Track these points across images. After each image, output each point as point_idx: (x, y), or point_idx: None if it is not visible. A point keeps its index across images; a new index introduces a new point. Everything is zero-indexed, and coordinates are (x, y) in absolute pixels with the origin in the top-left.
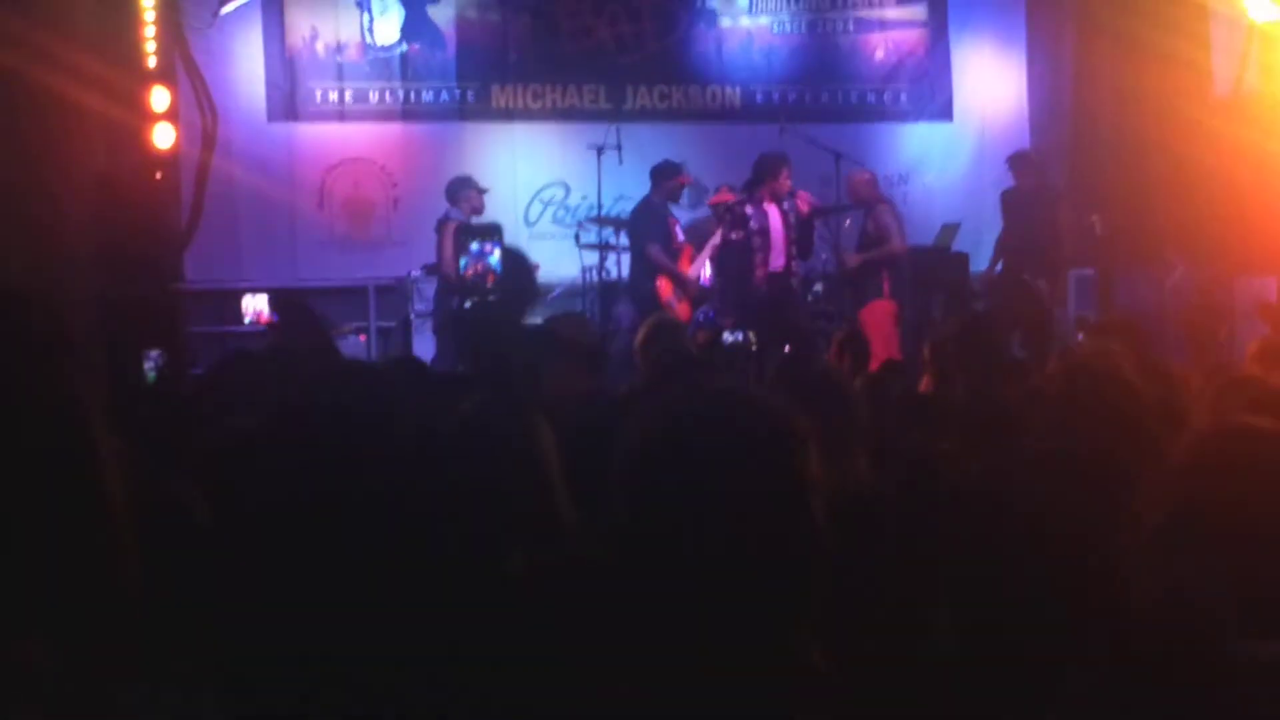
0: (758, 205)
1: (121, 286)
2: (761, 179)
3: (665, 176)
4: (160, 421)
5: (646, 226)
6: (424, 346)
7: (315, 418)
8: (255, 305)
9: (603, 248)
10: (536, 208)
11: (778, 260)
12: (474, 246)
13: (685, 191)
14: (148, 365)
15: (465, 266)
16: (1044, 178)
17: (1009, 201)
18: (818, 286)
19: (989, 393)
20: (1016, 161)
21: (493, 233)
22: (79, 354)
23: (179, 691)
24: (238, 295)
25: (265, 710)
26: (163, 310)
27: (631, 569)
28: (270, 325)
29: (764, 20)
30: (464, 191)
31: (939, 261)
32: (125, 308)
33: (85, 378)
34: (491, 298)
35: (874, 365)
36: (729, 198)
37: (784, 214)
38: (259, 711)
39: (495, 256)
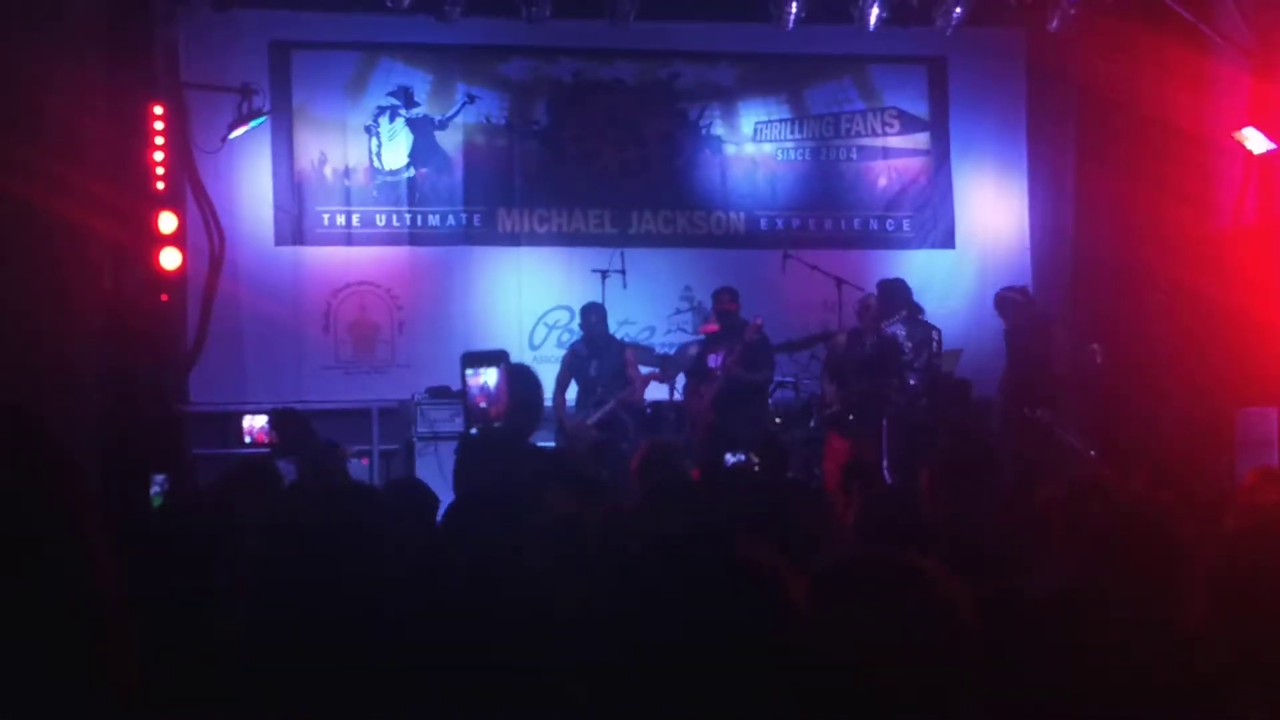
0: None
1: (126, 408)
2: (902, 304)
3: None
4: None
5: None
6: (427, 469)
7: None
8: (254, 424)
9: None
10: (541, 331)
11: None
12: (470, 371)
13: (689, 316)
14: (154, 490)
15: (473, 392)
16: (1031, 309)
17: (1007, 342)
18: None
19: (975, 519)
20: (999, 305)
21: (497, 358)
22: (74, 469)
23: None
24: (241, 417)
25: None
26: (167, 432)
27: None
28: (270, 443)
29: (768, 148)
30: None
31: (942, 388)
32: (130, 430)
33: (81, 489)
34: (497, 423)
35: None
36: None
37: None
38: None
39: (492, 380)
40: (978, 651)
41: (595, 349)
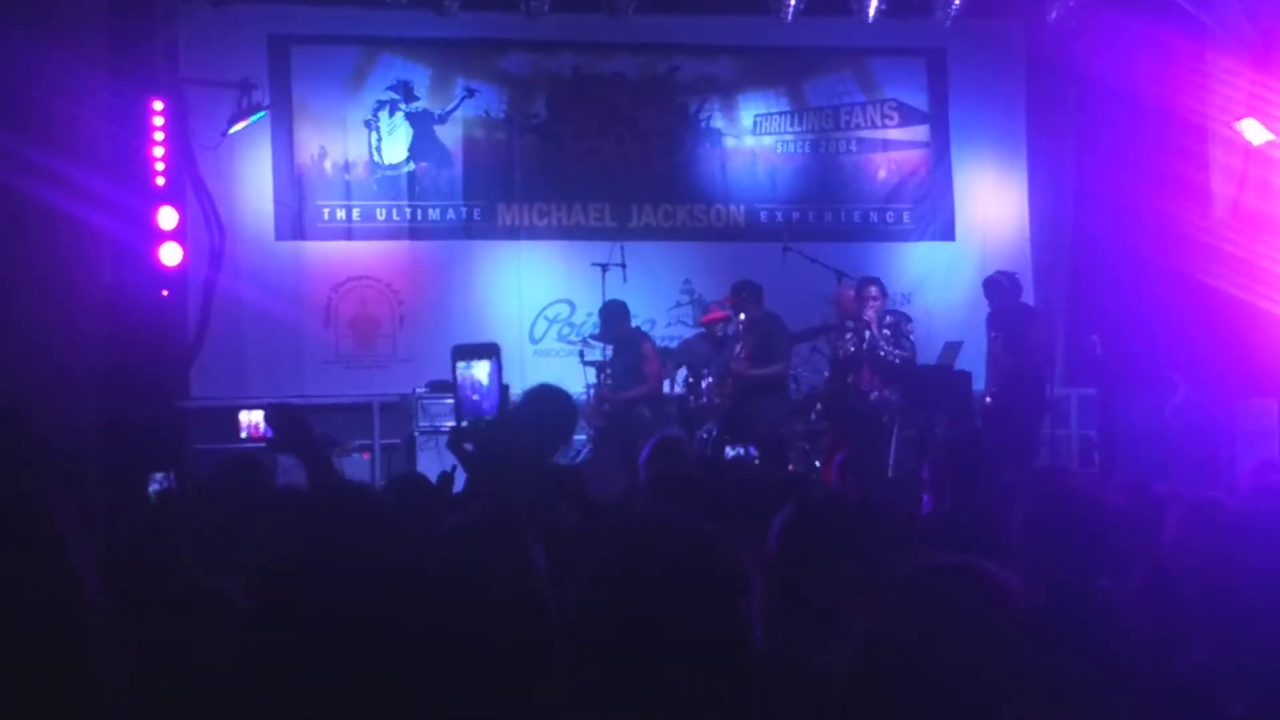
0: None
1: (127, 405)
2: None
3: None
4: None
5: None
6: (428, 464)
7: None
8: (251, 419)
9: (606, 365)
10: (542, 325)
11: None
12: (461, 364)
13: (689, 310)
14: (153, 488)
15: (464, 385)
16: (1017, 296)
17: (988, 325)
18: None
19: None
20: (987, 287)
21: (489, 351)
22: (59, 472)
23: None
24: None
25: None
26: (168, 429)
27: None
28: (266, 439)
29: (768, 140)
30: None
31: (941, 380)
32: (130, 427)
33: (61, 492)
34: (489, 418)
35: None
36: (721, 315)
37: None
38: None
39: (484, 373)
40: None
41: (616, 349)
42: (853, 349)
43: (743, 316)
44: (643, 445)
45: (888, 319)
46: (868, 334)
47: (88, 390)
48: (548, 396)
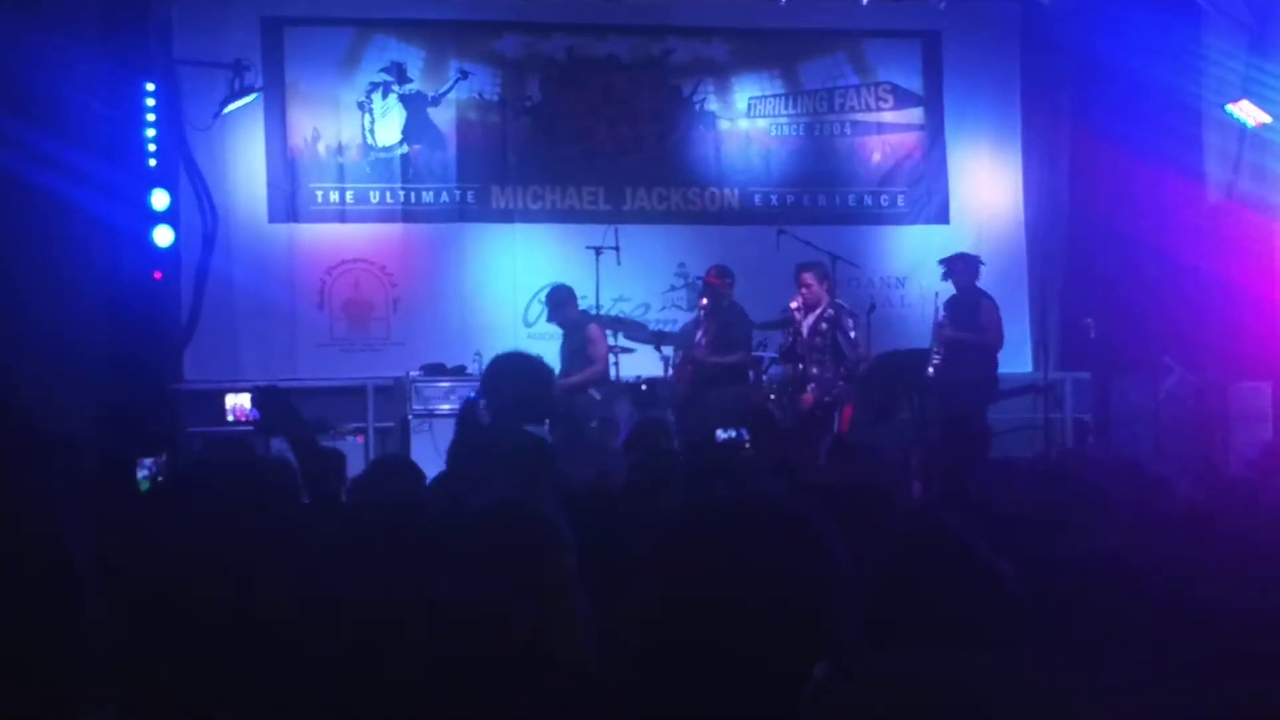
0: None
1: (122, 387)
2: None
3: None
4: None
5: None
6: (422, 447)
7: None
8: (238, 402)
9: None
10: (536, 308)
11: None
12: None
13: (684, 293)
14: (141, 473)
15: None
16: (972, 279)
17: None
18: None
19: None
20: (946, 263)
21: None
22: (55, 452)
23: None
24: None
25: None
26: (161, 412)
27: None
28: (253, 422)
29: (762, 123)
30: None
31: (906, 364)
32: (125, 410)
33: (53, 473)
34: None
35: None
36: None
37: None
38: None
39: None
40: None
41: (564, 333)
42: (790, 340)
43: (704, 301)
44: (594, 427)
45: (829, 312)
46: (806, 324)
47: (84, 373)
48: (520, 363)
